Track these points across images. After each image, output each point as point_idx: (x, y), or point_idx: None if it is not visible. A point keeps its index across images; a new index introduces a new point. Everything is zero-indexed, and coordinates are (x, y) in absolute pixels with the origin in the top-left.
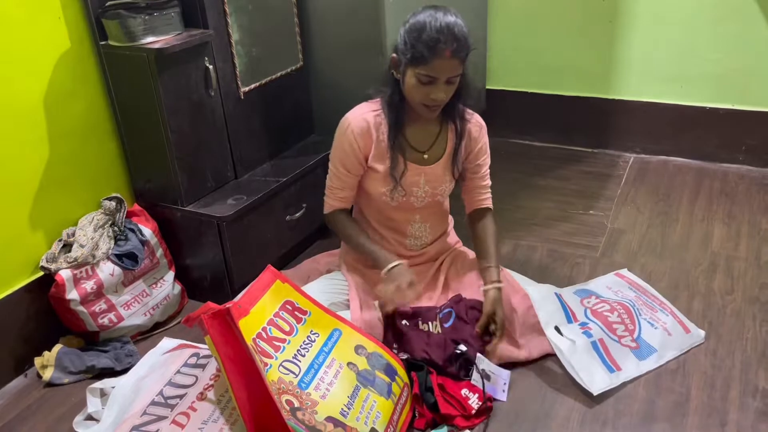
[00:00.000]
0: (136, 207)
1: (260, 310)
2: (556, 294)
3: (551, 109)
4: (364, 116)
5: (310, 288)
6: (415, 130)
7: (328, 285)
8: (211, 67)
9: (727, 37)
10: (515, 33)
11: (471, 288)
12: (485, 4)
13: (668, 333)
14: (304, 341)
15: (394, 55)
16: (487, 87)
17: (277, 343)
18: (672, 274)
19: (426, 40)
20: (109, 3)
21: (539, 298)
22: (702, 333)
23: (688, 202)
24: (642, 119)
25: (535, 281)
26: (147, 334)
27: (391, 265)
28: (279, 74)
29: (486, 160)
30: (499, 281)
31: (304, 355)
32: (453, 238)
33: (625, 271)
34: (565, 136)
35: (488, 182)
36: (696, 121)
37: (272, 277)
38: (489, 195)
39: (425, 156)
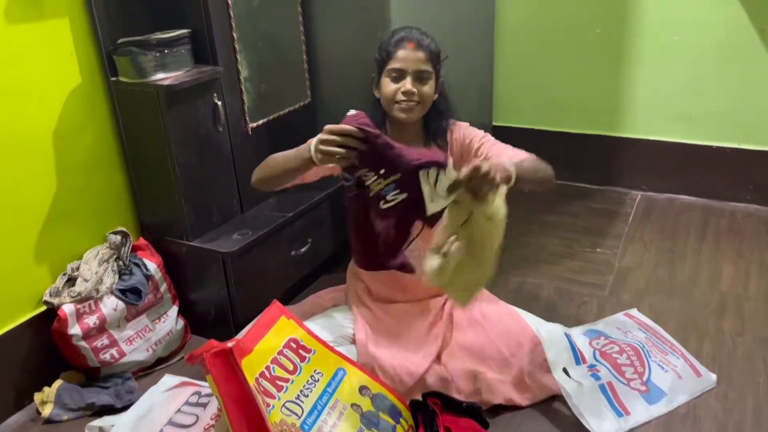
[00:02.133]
0: (142, 241)
1: (264, 347)
2: (565, 334)
3: (558, 145)
4: None
5: (315, 322)
6: None
7: (333, 319)
8: (219, 103)
9: (733, 75)
10: (522, 70)
11: (486, 322)
12: (492, 41)
13: (679, 376)
14: (308, 381)
15: (373, 75)
16: (494, 124)
17: (280, 383)
18: (681, 314)
19: (393, 40)
20: (120, 40)
21: (548, 337)
22: (713, 377)
23: (695, 241)
24: (649, 157)
25: (543, 320)
26: (149, 370)
27: (312, 144)
28: (287, 110)
29: (483, 138)
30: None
31: (307, 395)
32: None
33: (634, 312)
34: (572, 173)
35: (500, 148)
36: (703, 159)
37: (278, 313)
38: (510, 153)
39: None
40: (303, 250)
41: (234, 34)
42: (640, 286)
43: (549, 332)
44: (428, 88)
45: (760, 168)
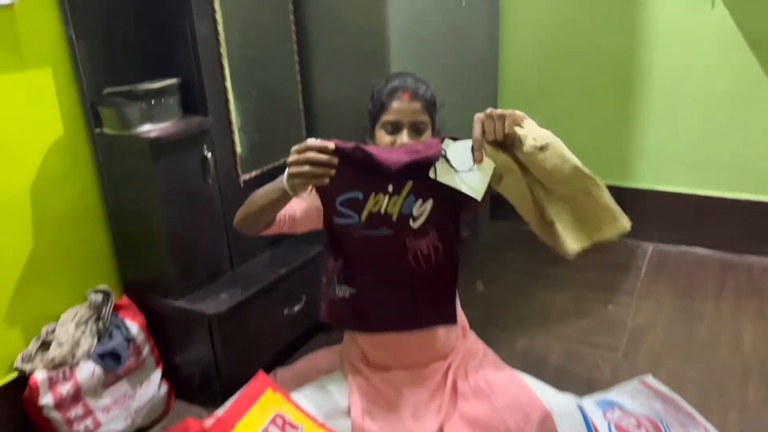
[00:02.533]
0: (125, 300)
1: (247, 424)
2: (578, 406)
3: None
4: None
5: (305, 394)
6: None
7: (326, 388)
8: (209, 155)
9: (746, 123)
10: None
11: (492, 391)
12: (495, 90)
13: None
14: None
15: (366, 126)
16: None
17: None
18: (701, 380)
19: (386, 90)
20: (106, 90)
21: (560, 410)
22: None
23: (713, 298)
24: (659, 208)
25: (552, 385)
26: None
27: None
28: (282, 160)
29: None
30: None
31: None
32: (462, 323)
33: (650, 379)
34: None
35: None
36: (716, 210)
37: (263, 386)
38: None
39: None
40: (297, 308)
41: (226, 84)
42: (656, 348)
43: (560, 404)
44: (424, 138)
45: None
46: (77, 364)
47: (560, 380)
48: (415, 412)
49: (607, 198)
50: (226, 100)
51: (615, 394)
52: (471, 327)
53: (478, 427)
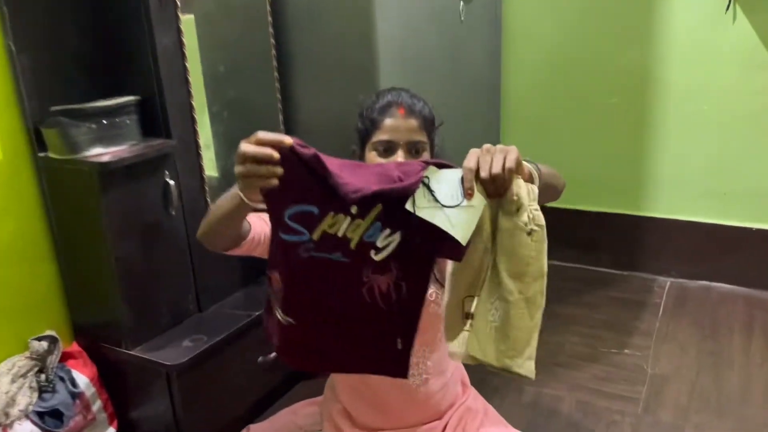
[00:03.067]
0: (75, 347)
1: None
2: None
3: (574, 226)
4: None
5: None
6: None
7: None
8: (172, 182)
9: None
10: (530, 141)
11: None
12: (497, 110)
13: None
14: None
15: (354, 147)
16: None
17: None
18: None
19: (378, 107)
20: (52, 109)
21: None
22: None
23: (741, 340)
24: (678, 239)
25: None
26: None
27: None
28: None
29: None
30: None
31: None
32: (461, 377)
33: None
34: (590, 256)
35: None
36: (740, 241)
37: None
38: None
39: None
40: (273, 355)
41: (193, 102)
42: (682, 400)
43: None
44: (421, 157)
45: None
46: (11, 425)
47: None
48: None
49: (536, 333)
50: (193, 120)
51: None
52: (470, 373)
53: None
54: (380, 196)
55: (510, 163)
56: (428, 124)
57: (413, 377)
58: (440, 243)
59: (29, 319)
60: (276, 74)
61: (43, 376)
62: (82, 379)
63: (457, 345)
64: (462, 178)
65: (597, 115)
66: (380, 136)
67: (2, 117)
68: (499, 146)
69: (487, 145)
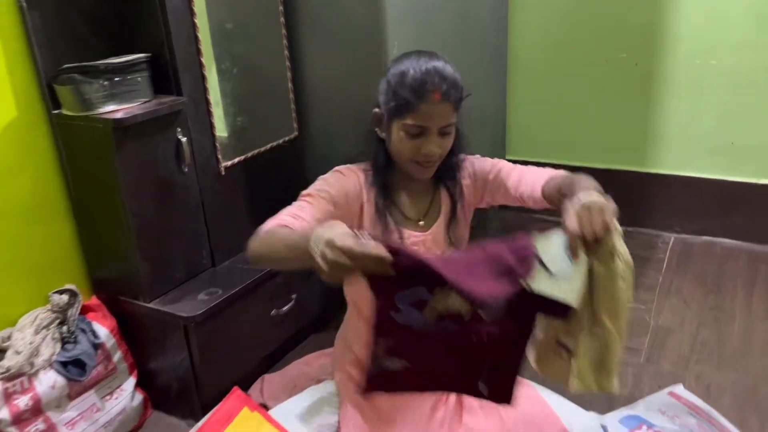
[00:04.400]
0: (94, 300)
1: None
2: (601, 425)
3: None
4: (357, 171)
5: (292, 404)
6: (406, 195)
7: (315, 401)
8: (184, 139)
9: None
10: (537, 99)
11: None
12: (504, 68)
13: None
14: None
15: (376, 109)
16: (507, 158)
17: None
18: (735, 389)
19: (410, 83)
20: (64, 66)
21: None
22: None
23: (743, 294)
24: (683, 195)
25: (571, 400)
26: None
27: (317, 231)
28: (269, 146)
29: (497, 167)
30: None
31: None
32: None
33: (680, 389)
34: None
35: (522, 171)
36: (746, 197)
37: (239, 404)
38: (534, 172)
39: (420, 223)
40: (286, 308)
41: (202, 60)
42: (683, 351)
43: (581, 423)
44: (450, 138)
45: None
46: (36, 374)
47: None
48: (414, 427)
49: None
50: (203, 78)
51: (642, 409)
52: None
53: None
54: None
55: (609, 221)
56: (459, 103)
57: None
58: (547, 304)
59: (49, 273)
60: (284, 31)
61: (64, 328)
62: (103, 330)
63: (552, 368)
64: (566, 242)
65: (604, 72)
66: (414, 120)
67: (16, 75)
68: (595, 204)
69: (585, 203)
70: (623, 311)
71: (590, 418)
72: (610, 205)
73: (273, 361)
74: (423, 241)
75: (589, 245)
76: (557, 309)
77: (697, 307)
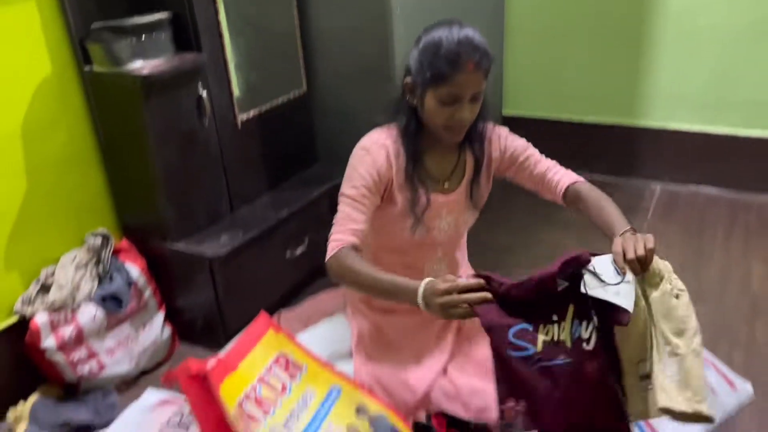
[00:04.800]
0: (124, 243)
1: (250, 365)
2: None
3: (572, 136)
4: (383, 142)
5: (308, 335)
6: (433, 158)
7: (329, 331)
8: (204, 93)
9: (762, 59)
10: (533, 56)
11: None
12: (501, 25)
13: (712, 392)
14: (299, 403)
15: (408, 79)
16: (504, 113)
17: (267, 406)
18: (710, 320)
19: (445, 55)
20: (94, 25)
21: None
22: (749, 387)
23: (722, 238)
24: (670, 147)
25: None
26: (132, 383)
27: (421, 290)
28: (280, 100)
29: (527, 153)
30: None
31: (297, 419)
32: (467, 271)
33: None
34: (586, 165)
35: (550, 164)
36: (728, 148)
37: (265, 326)
38: (563, 171)
39: (445, 185)
40: (299, 251)
41: (220, 19)
42: None
43: None
44: (479, 103)
45: None
46: (78, 307)
47: None
48: (418, 353)
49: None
50: (221, 36)
51: None
52: (473, 258)
53: (482, 368)
54: (567, 281)
55: (650, 244)
56: (489, 71)
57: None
58: (616, 315)
59: (84, 218)
60: None
61: (100, 267)
62: (134, 269)
63: (641, 405)
64: (613, 261)
65: (597, 31)
66: (448, 90)
67: (50, 33)
68: (639, 234)
69: (629, 234)
70: (689, 330)
71: None
72: (650, 236)
73: (288, 299)
74: (446, 202)
75: (632, 265)
76: (618, 315)
77: (679, 249)
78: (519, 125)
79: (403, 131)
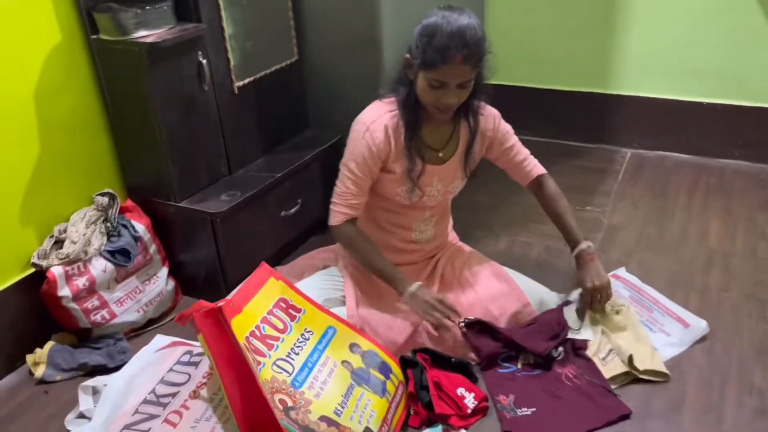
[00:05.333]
0: (129, 203)
1: (254, 307)
2: (555, 295)
3: (548, 104)
4: (382, 120)
5: (304, 284)
6: (430, 130)
7: (323, 281)
8: (204, 61)
9: (726, 31)
10: (512, 27)
11: (476, 282)
12: (481, 0)
13: (666, 334)
14: (298, 339)
15: (408, 55)
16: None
17: (270, 342)
18: (669, 270)
19: (436, 45)
20: None
21: (539, 300)
22: (703, 323)
23: (685, 198)
24: (639, 114)
25: (533, 278)
26: (140, 331)
27: (412, 289)
28: (274, 68)
29: (512, 140)
30: (589, 252)
31: (297, 354)
32: (451, 235)
33: (621, 271)
34: (561, 132)
35: (526, 152)
36: (694, 116)
37: (266, 275)
38: (534, 162)
39: (440, 154)
40: (293, 210)
41: None
42: (630, 243)
43: (542, 297)
44: (468, 90)
45: (750, 124)
46: (90, 260)
47: (540, 273)
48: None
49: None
50: (218, 8)
51: None
52: (457, 229)
53: (461, 310)
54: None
55: (607, 298)
56: (479, 63)
57: (421, 235)
58: (575, 341)
59: (91, 179)
60: None
61: (108, 224)
62: (140, 226)
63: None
64: (577, 310)
65: (572, 3)
66: (436, 77)
67: (59, 3)
68: (604, 287)
69: (597, 286)
70: (628, 325)
71: (550, 294)
72: (607, 281)
73: (283, 255)
74: (439, 171)
75: (597, 310)
76: (578, 343)
77: (645, 208)
78: (498, 93)
79: (402, 103)
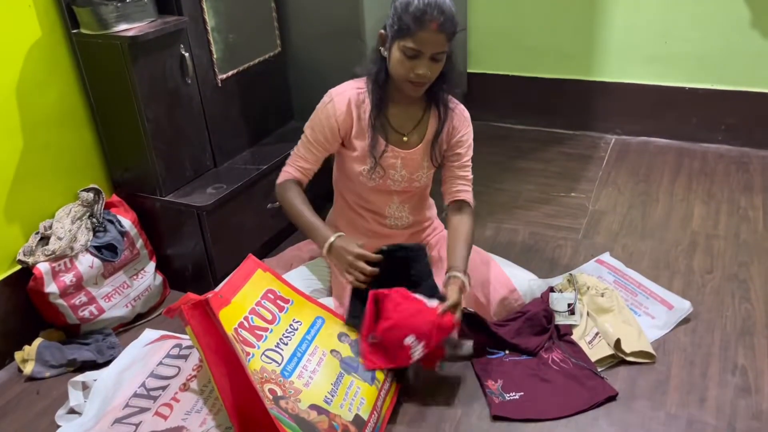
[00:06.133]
0: (115, 198)
1: (242, 299)
2: (542, 281)
3: (532, 91)
4: (347, 93)
5: (291, 275)
6: (397, 112)
7: (310, 272)
8: (187, 54)
9: (706, 16)
10: (496, 15)
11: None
12: None
13: (651, 317)
14: (287, 330)
15: (382, 31)
16: (469, 71)
17: (259, 332)
18: (653, 254)
19: (413, 11)
20: None
21: (525, 286)
22: (687, 303)
23: (668, 183)
24: (623, 100)
25: (519, 264)
26: (129, 326)
27: (329, 241)
28: (257, 60)
29: (467, 151)
30: (456, 277)
31: (286, 344)
32: (436, 222)
33: (606, 256)
34: (546, 119)
35: (468, 174)
36: (676, 101)
37: (253, 266)
38: (467, 188)
39: (405, 139)
40: (279, 203)
41: None
42: (614, 228)
43: (527, 282)
44: (441, 64)
45: (731, 108)
46: (76, 256)
47: (526, 259)
48: None
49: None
50: (200, 0)
51: (575, 273)
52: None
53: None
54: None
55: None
56: (452, 36)
57: (396, 221)
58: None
59: (76, 175)
60: None
61: (94, 220)
62: (126, 221)
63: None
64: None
65: None
66: (411, 44)
67: None
68: (452, 305)
69: (450, 299)
70: (613, 308)
71: (535, 279)
72: (459, 302)
73: (270, 247)
74: (403, 157)
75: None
76: (564, 328)
77: (629, 193)
78: (483, 82)
79: (373, 78)
